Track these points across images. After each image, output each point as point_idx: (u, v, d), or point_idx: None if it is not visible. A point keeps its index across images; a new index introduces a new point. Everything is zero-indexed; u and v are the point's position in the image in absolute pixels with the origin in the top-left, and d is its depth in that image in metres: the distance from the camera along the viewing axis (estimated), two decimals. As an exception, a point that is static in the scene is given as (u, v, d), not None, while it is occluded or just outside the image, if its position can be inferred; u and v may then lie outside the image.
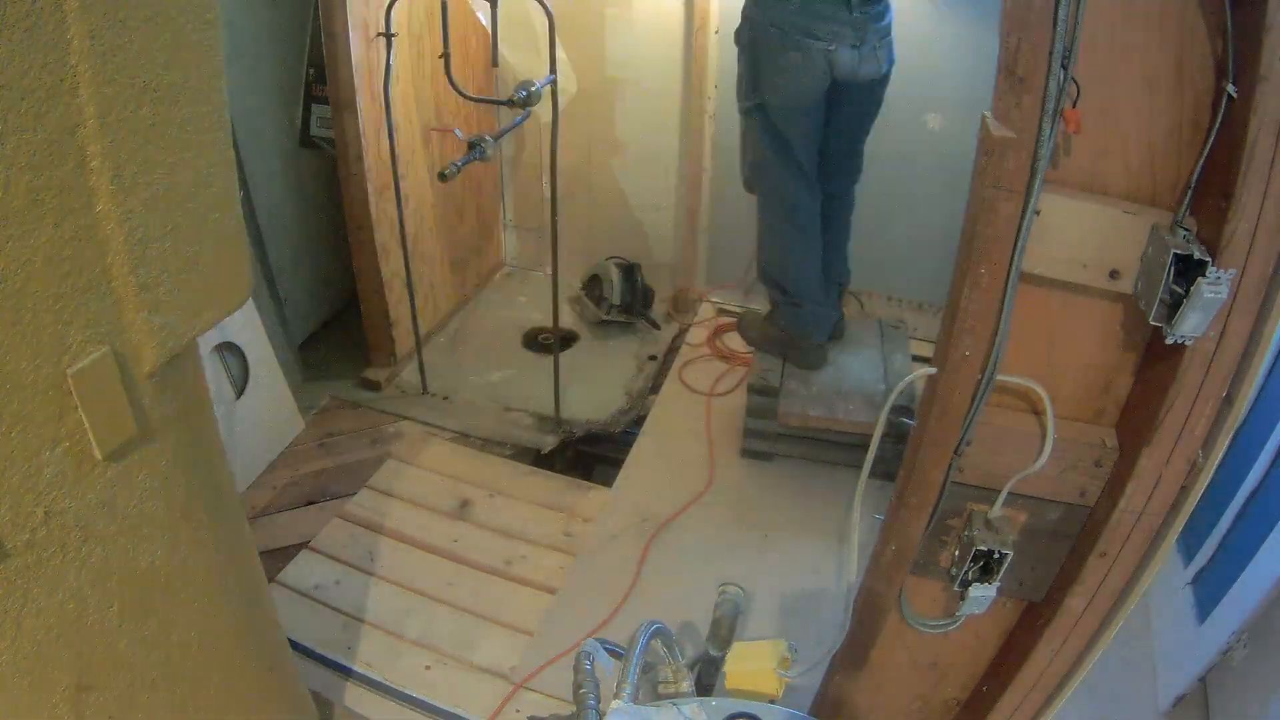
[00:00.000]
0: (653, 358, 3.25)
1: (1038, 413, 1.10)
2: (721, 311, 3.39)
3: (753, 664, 1.29)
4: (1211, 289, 0.88)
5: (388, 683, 1.98)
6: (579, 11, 3.07)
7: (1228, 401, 0.99)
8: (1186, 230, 0.93)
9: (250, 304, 2.42)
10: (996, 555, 1.14)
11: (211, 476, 1.20)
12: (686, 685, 1.20)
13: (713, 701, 1.07)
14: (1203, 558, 1.97)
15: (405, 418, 2.87)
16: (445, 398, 2.98)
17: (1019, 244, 0.97)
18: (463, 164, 2.41)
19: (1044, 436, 1.09)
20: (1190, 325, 0.91)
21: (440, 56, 2.44)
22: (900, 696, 1.46)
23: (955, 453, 1.12)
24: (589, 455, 2.98)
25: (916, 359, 2.79)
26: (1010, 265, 0.99)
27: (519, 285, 3.71)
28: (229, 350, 2.42)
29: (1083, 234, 0.99)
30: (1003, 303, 1.01)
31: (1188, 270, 0.89)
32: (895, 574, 1.28)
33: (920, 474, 1.18)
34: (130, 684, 1.05)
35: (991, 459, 1.13)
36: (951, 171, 2.93)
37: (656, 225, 3.50)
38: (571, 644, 2.00)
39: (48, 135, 0.77)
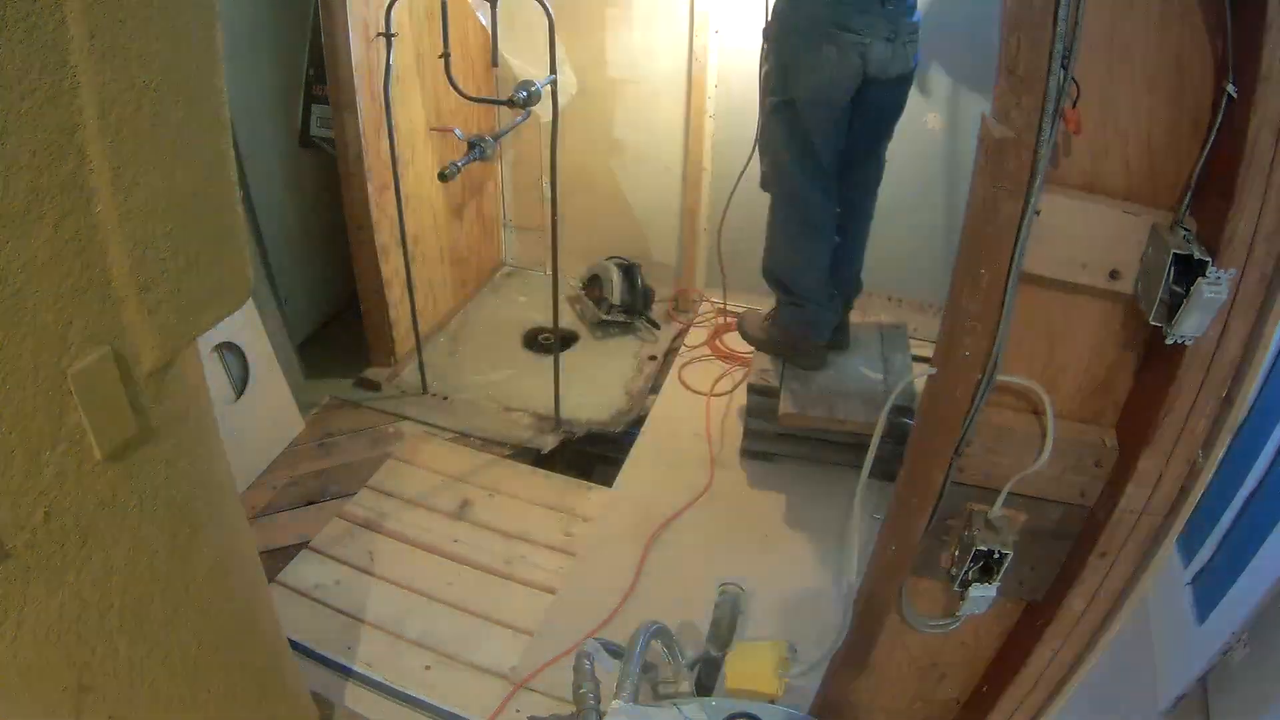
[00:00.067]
0: (653, 358, 3.25)
1: (1038, 413, 1.10)
2: (721, 312, 3.39)
3: (753, 664, 1.29)
4: (1211, 289, 0.88)
5: (388, 683, 1.98)
6: (579, 11, 3.08)
7: (1228, 401, 0.99)
8: (1186, 230, 0.93)
9: (250, 304, 2.42)
10: (996, 555, 1.14)
11: (211, 476, 1.20)
12: (686, 685, 1.20)
13: (713, 701, 1.07)
14: (1203, 558, 1.97)
15: (405, 418, 2.87)
16: (445, 398, 2.98)
17: (1019, 244, 0.97)
18: (463, 164, 2.42)
19: (1044, 436, 1.09)
20: (1190, 325, 0.91)
21: (440, 56, 2.44)
22: (900, 696, 1.45)
23: (955, 453, 1.12)
24: (589, 455, 2.98)
25: (916, 359, 2.79)
26: (1010, 265, 0.99)
27: (519, 285, 3.71)
28: (229, 350, 2.43)
29: (1083, 234, 0.99)
30: (1003, 303, 1.01)
31: (1188, 270, 0.89)
32: (895, 574, 1.28)
33: (920, 474, 1.17)
34: (130, 684, 1.05)
35: (991, 459, 1.13)
36: (951, 171, 2.95)
37: (656, 225, 3.51)
38: (571, 644, 2.00)
39: (48, 135, 0.77)
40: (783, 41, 2.26)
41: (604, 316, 3.29)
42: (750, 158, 2.62)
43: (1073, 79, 0.90)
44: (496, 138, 2.55)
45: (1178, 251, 0.90)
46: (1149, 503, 1.07)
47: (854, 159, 2.43)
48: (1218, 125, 0.89)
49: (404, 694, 1.96)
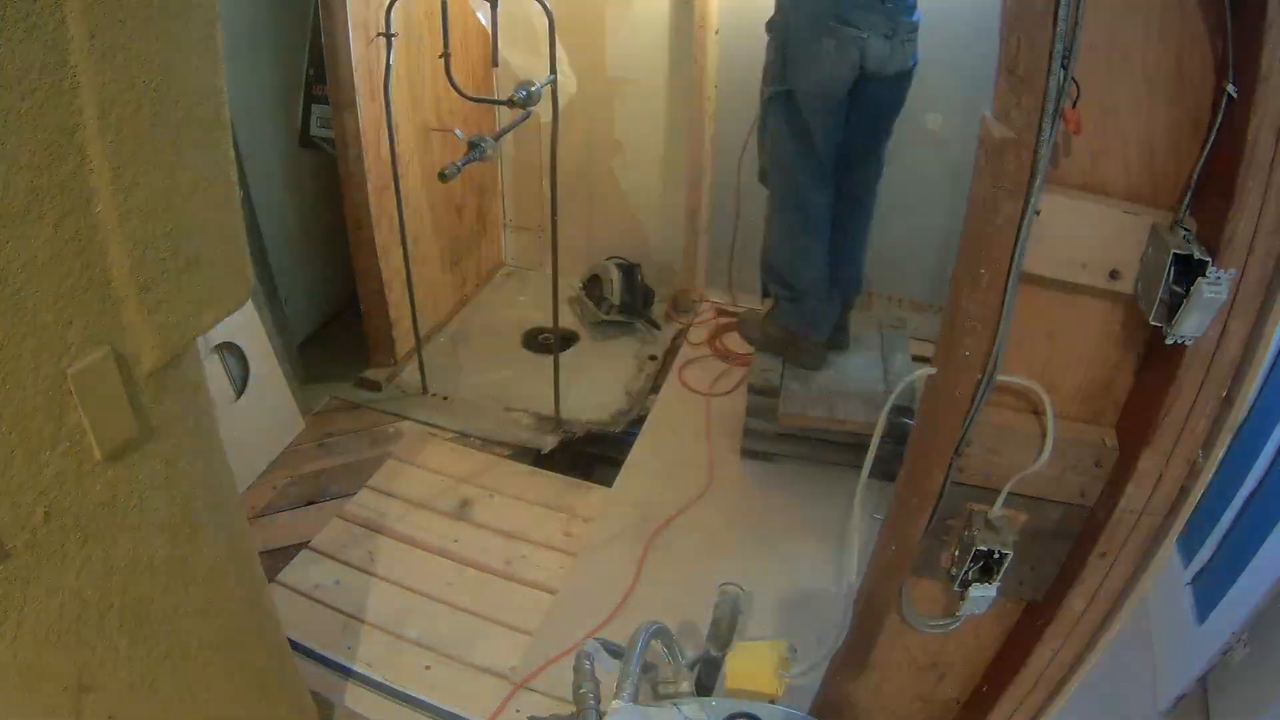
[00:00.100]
0: (653, 358, 3.25)
1: (1038, 413, 1.10)
2: (721, 312, 3.39)
3: (753, 664, 1.28)
4: (1211, 289, 0.87)
5: (388, 683, 1.98)
6: (579, 11, 3.07)
7: (1228, 401, 0.99)
8: (1186, 230, 0.93)
9: (250, 304, 2.41)
10: (996, 555, 1.14)
11: (211, 476, 1.20)
12: (686, 685, 1.20)
13: (713, 701, 1.07)
14: (1203, 558, 1.97)
15: (405, 418, 2.87)
16: (445, 398, 2.98)
17: (1019, 244, 0.97)
18: (463, 164, 2.41)
19: (1044, 436, 1.09)
20: (1190, 325, 0.91)
21: (440, 56, 2.44)
22: (900, 696, 1.45)
23: (955, 453, 1.12)
24: (589, 455, 2.98)
25: (916, 359, 2.79)
26: (1010, 265, 0.99)
27: (519, 285, 3.71)
28: (229, 350, 2.42)
29: (1083, 234, 0.99)
30: (1003, 303, 1.01)
31: (1188, 270, 0.89)
32: (895, 574, 1.28)
33: (920, 474, 1.17)
34: (130, 684, 1.05)
35: (991, 459, 1.13)
36: (951, 171, 2.95)
37: (656, 225, 3.50)
38: (571, 644, 2.00)
39: (48, 135, 0.77)
40: (784, 33, 2.27)
41: (604, 317, 3.29)
42: (745, 146, 2.61)
43: (1073, 79, 0.90)
44: (496, 138, 2.54)
45: (1178, 251, 0.89)
46: (1149, 503, 1.07)
47: (853, 157, 2.43)
48: (1218, 125, 0.89)
49: (404, 694, 1.96)
